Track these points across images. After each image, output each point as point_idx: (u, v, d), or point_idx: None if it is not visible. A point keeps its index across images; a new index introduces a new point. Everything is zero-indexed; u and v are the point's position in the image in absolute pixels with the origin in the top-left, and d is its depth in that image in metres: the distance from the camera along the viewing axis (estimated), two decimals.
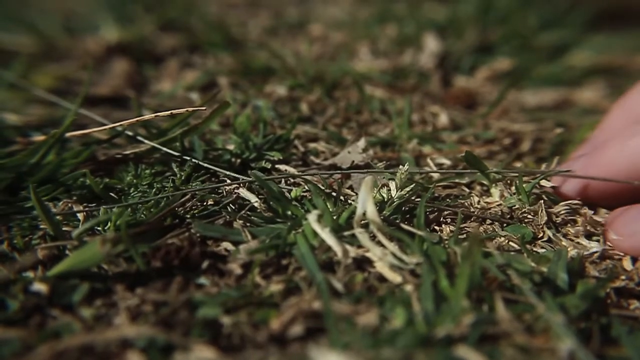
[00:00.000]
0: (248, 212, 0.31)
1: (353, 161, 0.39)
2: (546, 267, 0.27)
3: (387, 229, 0.27)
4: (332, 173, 0.35)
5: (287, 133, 0.41)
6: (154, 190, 0.34)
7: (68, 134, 0.36)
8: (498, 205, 0.34)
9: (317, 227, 0.27)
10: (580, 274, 0.27)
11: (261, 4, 0.96)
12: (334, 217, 0.29)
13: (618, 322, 0.23)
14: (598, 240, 0.31)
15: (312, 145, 0.43)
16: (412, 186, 0.32)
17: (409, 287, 0.25)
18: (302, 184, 0.36)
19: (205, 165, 0.36)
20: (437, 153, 0.42)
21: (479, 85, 0.61)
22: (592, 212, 0.33)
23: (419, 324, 0.22)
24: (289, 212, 0.31)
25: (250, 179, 0.33)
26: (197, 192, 0.33)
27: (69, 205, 0.32)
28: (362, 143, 0.40)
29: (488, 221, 0.33)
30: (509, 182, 0.35)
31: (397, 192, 0.32)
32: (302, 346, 0.22)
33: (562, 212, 0.32)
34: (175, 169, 0.36)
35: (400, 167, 0.32)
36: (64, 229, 0.29)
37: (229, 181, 0.35)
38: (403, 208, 0.32)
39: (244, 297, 0.24)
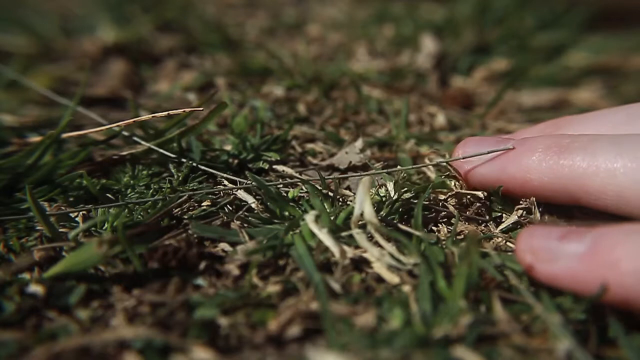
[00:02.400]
0: (245, 213, 0.31)
1: (350, 162, 0.39)
2: None
3: (384, 229, 0.27)
4: (333, 178, 0.35)
5: (285, 133, 0.41)
6: (151, 191, 0.34)
7: (64, 135, 0.36)
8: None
9: (314, 228, 0.27)
10: None
11: (259, 4, 0.96)
12: (332, 218, 0.29)
13: (615, 323, 0.23)
14: None
15: (309, 145, 0.43)
16: (409, 187, 0.32)
17: (406, 288, 0.25)
18: (300, 184, 0.36)
19: (202, 168, 0.36)
20: (435, 153, 0.42)
21: (476, 86, 0.61)
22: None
23: (416, 325, 0.22)
24: (287, 213, 0.31)
25: (248, 181, 0.33)
26: (194, 194, 0.33)
27: (62, 208, 0.32)
28: (359, 143, 0.40)
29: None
30: None
31: (394, 192, 0.32)
32: (299, 347, 0.22)
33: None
34: (173, 170, 0.36)
35: (398, 167, 0.32)
36: (60, 230, 0.29)
37: (226, 183, 0.35)
38: (400, 209, 0.32)
39: (242, 298, 0.24)
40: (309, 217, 0.28)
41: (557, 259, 0.23)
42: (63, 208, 0.31)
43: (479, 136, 0.34)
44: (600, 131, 0.29)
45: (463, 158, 0.32)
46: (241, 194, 0.33)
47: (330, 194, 0.32)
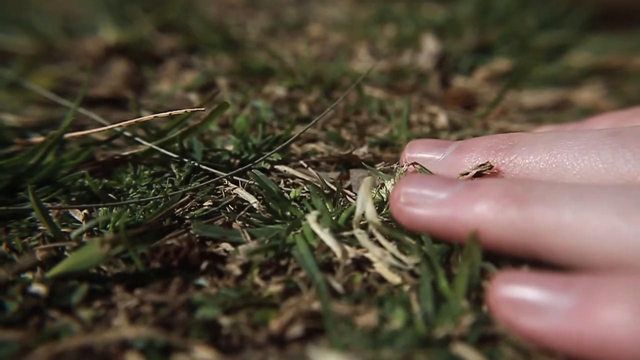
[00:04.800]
0: (247, 213, 0.31)
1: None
2: None
3: (386, 229, 0.27)
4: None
5: (286, 134, 0.41)
6: (152, 191, 0.34)
7: (67, 135, 0.36)
8: None
9: (316, 228, 0.27)
10: None
11: (260, 4, 0.97)
12: (333, 218, 0.29)
13: None
14: None
15: (311, 146, 0.43)
16: None
17: (408, 288, 0.25)
18: (301, 184, 0.36)
19: (204, 167, 0.36)
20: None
21: (477, 86, 0.61)
22: None
23: (418, 325, 0.22)
24: (288, 213, 0.31)
25: (250, 181, 0.33)
26: (196, 193, 0.33)
27: (63, 211, 0.32)
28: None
29: None
30: None
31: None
32: (301, 347, 0.22)
33: None
34: (174, 170, 0.36)
35: (397, 166, 0.32)
36: (62, 230, 0.29)
37: (227, 183, 0.35)
38: None
39: (243, 298, 0.24)
40: (311, 217, 0.28)
41: (540, 314, 0.20)
42: (67, 210, 0.31)
43: (422, 174, 0.30)
44: (557, 157, 0.27)
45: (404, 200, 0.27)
46: (243, 193, 0.33)
47: (334, 190, 0.32)
